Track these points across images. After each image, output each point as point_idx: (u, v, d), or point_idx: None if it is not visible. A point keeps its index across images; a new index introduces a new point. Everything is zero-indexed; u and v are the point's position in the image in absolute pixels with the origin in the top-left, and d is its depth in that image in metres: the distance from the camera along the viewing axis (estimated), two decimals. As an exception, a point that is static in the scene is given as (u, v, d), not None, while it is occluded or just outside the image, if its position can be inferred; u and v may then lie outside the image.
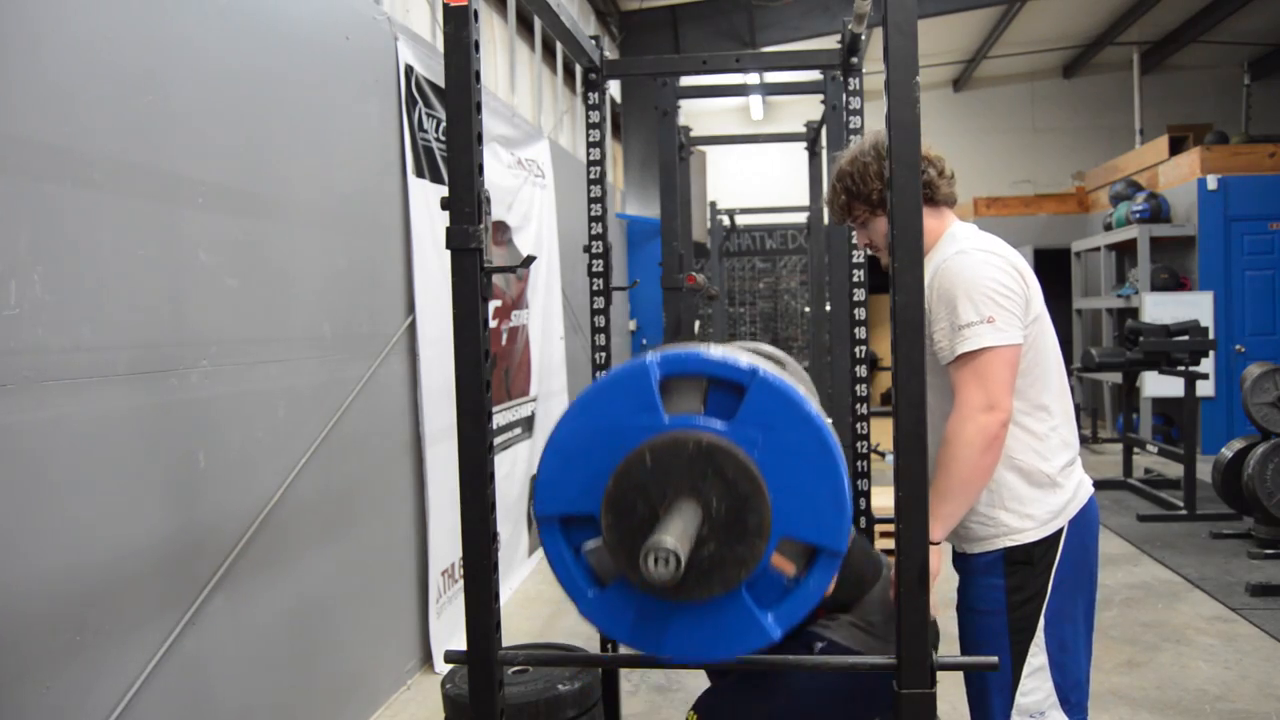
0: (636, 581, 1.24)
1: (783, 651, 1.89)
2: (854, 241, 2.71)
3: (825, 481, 1.26)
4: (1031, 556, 1.83)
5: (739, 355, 1.28)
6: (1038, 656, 1.82)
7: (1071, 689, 1.85)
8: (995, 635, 1.84)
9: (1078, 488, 1.87)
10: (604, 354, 2.61)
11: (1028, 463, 1.82)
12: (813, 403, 1.30)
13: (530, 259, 1.72)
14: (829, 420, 1.31)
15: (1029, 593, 1.82)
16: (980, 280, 1.77)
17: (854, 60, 2.49)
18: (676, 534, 1.14)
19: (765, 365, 1.29)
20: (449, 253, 1.41)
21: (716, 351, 1.30)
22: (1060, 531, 1.83)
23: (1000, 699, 1.84)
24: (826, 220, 3.50)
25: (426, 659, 3.57)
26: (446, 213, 1.41)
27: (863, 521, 2.37)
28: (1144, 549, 5.02)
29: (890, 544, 1.48)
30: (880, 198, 1.92)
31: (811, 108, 4.58)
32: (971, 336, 1.74)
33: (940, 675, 1.38)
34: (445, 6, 1.39)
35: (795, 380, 1.39)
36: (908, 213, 1.32)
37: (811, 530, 1.27)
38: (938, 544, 1.77)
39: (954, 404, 1.76)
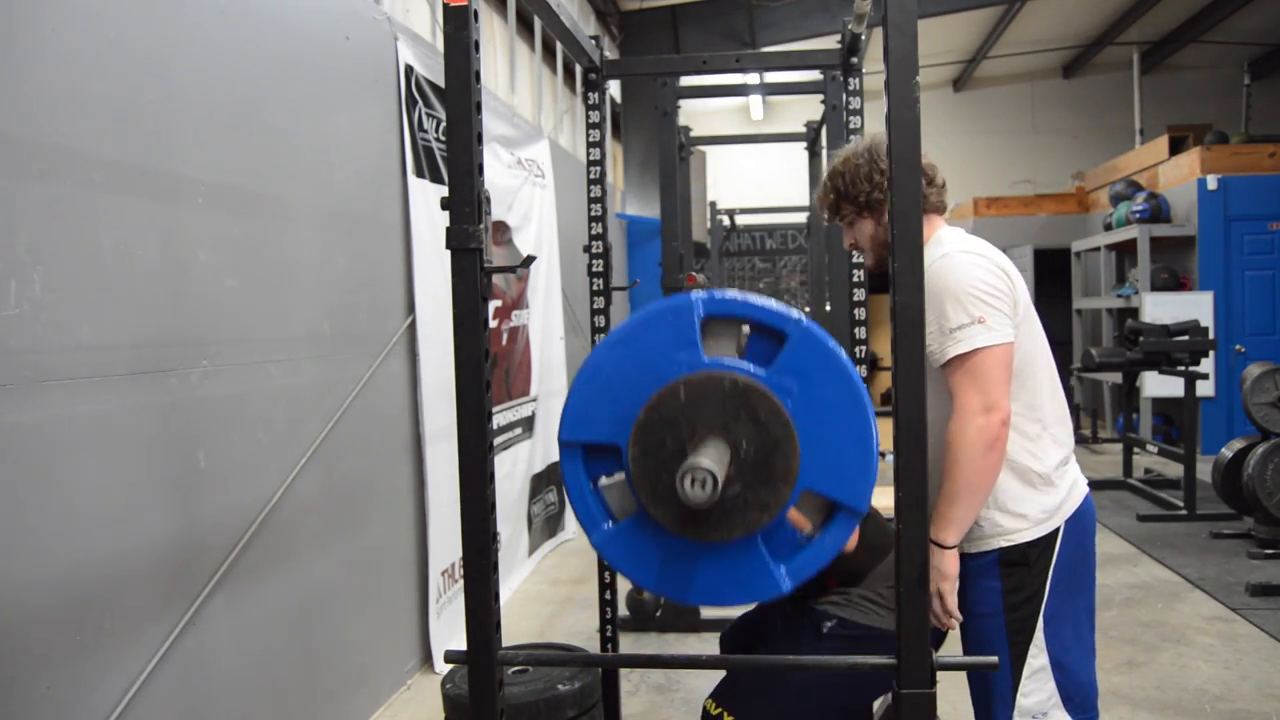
0: (656, 515, 1.24)
1: (792, 627, 1.90)
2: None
3: (855, 439, 1.26)
4: (1027, 557, 1.82)
5: (781, 304, 1.30)
6: (1038, 658, 1.82)
7: (1075, 689, 1.84)
8: (994, 637, 1.84)
9: (1072, 487, 1.87)
10: (604, 354, 2.61)
11: (1020, 462, 1.82)
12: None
13: (530, 259, 1.72)
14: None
15: (1026, 594, 1.82)
16: (967, 282, 1.77)
17: (854, 60, 2.50)
18: (713, 459, 1.14)
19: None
20: (449, 253, 1.41)
21: (759, 298, 1.30)
22: (1056, 531, 1.83)
23: (1002, 701, 1.84)
24: (826, 220, 3.51)
25: (426, 659, 3.57)
26: (446, 213, 1.41)
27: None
28: (1144, 549, 5.02)
29: (890, 544, 1.47)
30: (868, 200, 1.94)
31: (811, 108, 4.58)
32: (964, 338, 1.74)
33: (941, 675, 1.37)
34: (445, 6, 1.39)
35: None
36: (907, 213, 1.32)
37: (835, 486, 1.26)
38: (953, 549, 1.78)
39: (953, 407, 1.76)
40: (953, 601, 1.79)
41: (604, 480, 1.33)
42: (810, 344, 1.27)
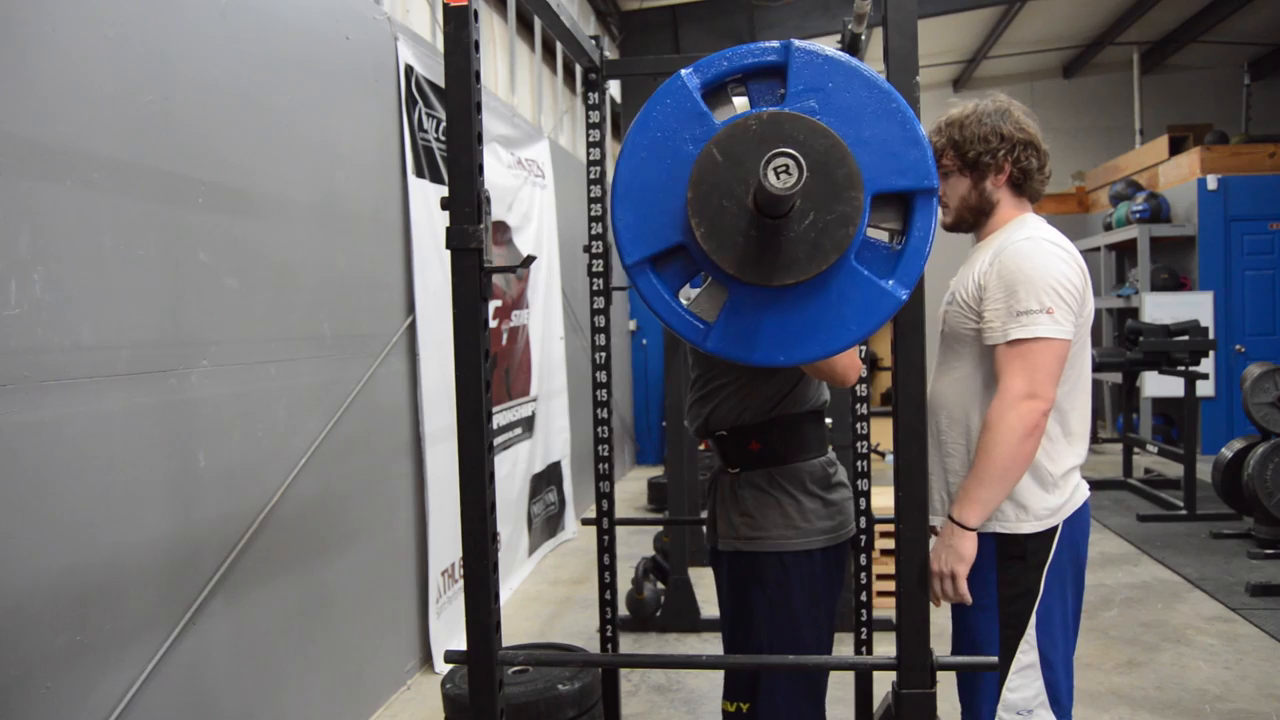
0: (748, 276, 1.20)
1: (722, 582, 1.93)
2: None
3: (894, 125, 1.23)
4: (1024, 551, 1.83)
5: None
6: (1028, 654, 1.83)
7: (1061, 691, 1.85)
8: (986, 629, 1.85)
9: (1075, 490, 1.88)
10: (604, 354, 2.61)
11: (1036, 460, 1.82)
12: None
13: (530, 259, 1.72)
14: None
15: (1020, 589, 1.83)
16: (1047, 271, 1.78)
17: (854, 60, 2.49)
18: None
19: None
20: (449, 253, 1.41)
21: (740, 46, 1.27)
22: (1054, 529, 1.84)
23: (988, 693, 1.85)
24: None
25: (426, 659, 3.57)
26: (446, 213, 1.41)
27: (862, 521, 2.37)
28: (1144, 549, 5.02)
29: (890, 544, 1.47)
30: (975, 160, 1.91)
31: (811, 108, 4.58)
32: (1029, 324, 1.75)
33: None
34: (445, 6, 1.39)
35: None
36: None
37: (899, 177, 1.23)
38: (973, 531, 1.78)
39: (997, 389, 1.77)
40: (964, 585, 1.79)
41: (683, 294, 1.31)
42: (811, 59, 1.24)
